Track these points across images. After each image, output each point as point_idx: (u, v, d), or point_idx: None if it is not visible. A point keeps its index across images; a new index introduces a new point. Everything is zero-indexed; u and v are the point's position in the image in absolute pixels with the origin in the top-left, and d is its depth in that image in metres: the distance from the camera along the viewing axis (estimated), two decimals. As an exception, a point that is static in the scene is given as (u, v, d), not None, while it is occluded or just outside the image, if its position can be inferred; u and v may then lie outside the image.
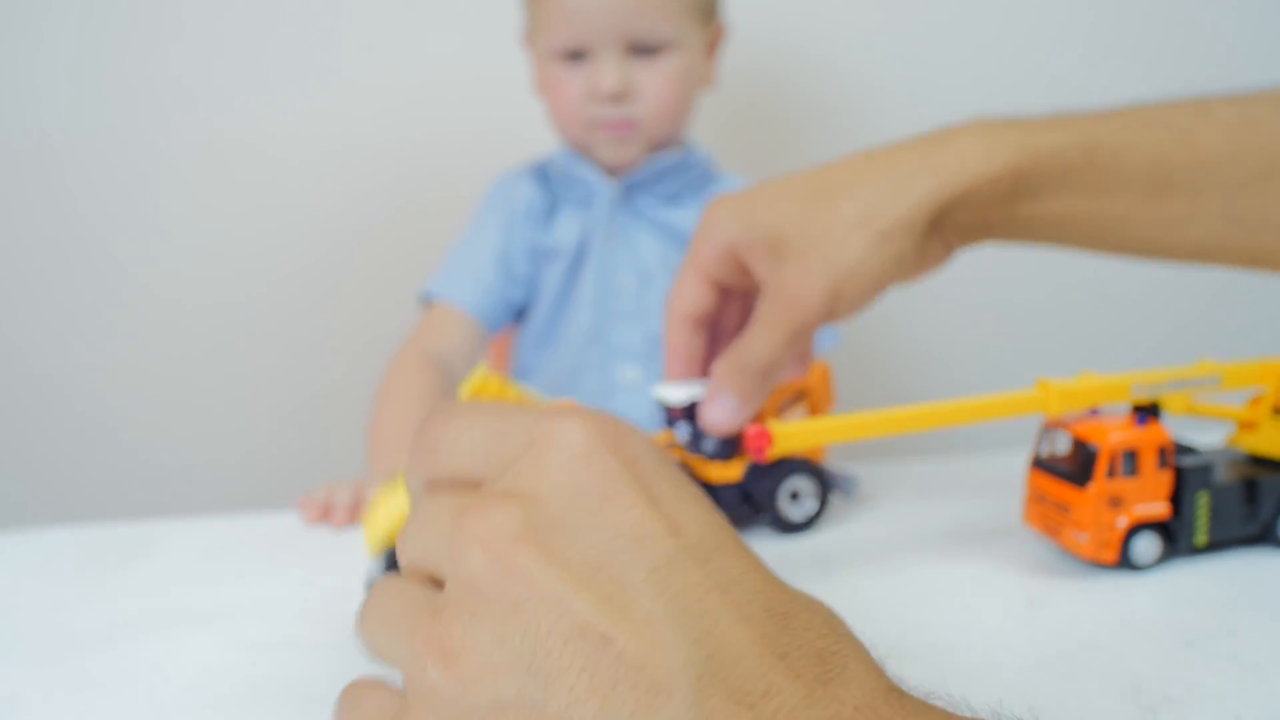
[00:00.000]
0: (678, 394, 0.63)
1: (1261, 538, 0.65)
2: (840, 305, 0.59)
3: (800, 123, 1.84)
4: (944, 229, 0.61)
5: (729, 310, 0.67)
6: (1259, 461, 0.67)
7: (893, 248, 0.58)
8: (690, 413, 0.64)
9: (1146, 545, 0.62)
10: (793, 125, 1.84)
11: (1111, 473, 0.61)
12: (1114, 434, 0.62)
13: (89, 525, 0.88)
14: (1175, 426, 0.67)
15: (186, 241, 1.76)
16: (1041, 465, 0.66)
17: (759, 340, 0.59)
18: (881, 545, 0.71)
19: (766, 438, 0.61)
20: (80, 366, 1.79)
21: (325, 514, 0.85)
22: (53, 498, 1.84)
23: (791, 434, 0.62)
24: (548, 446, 0.30)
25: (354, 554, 0.76)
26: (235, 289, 1.78)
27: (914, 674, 0.52)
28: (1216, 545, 0.64)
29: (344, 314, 1.79)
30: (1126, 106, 0.62)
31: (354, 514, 0.85)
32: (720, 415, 0.60)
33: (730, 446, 0.64)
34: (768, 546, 0.70)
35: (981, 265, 1.92)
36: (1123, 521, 0.62)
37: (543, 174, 1.34)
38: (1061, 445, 0.67)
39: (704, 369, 0.66)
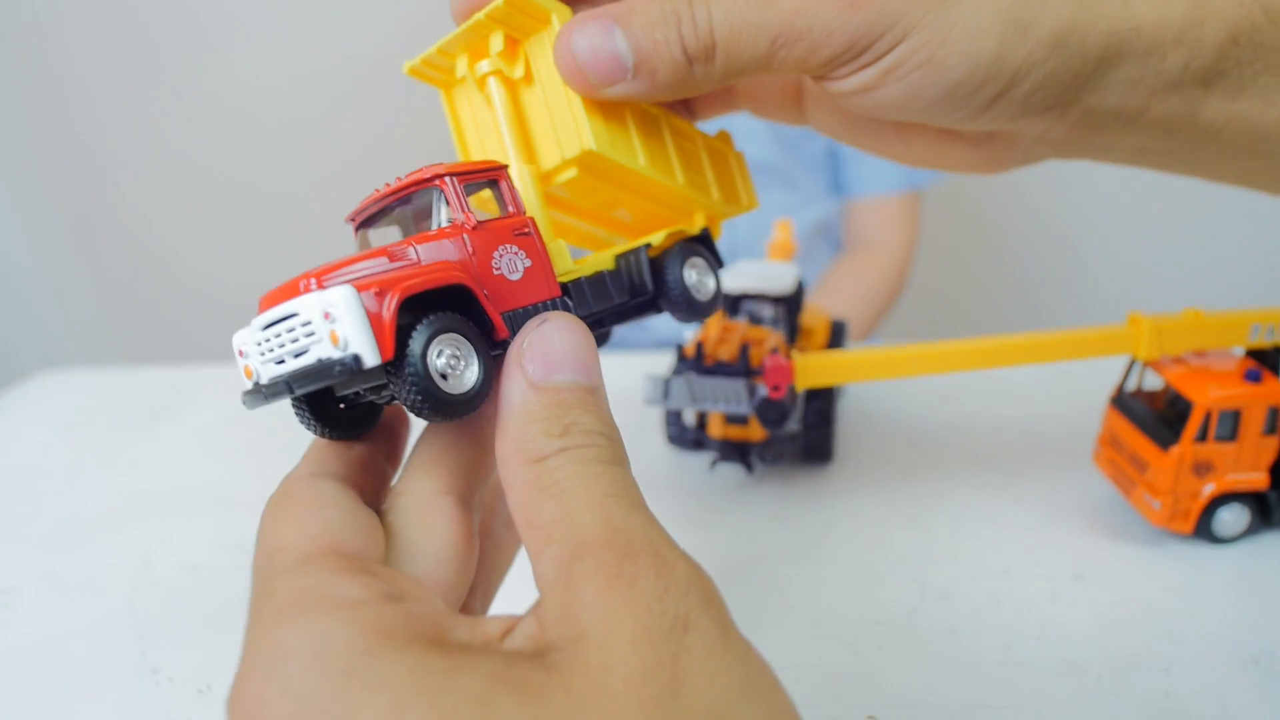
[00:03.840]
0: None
1: (1384, 511, 0.55)
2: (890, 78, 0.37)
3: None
4: (1072, 108, 0.39)
5: None
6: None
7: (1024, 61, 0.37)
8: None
9: (1232, 517, 0.53)
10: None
11: (1204, 435, 0.51)
12: (1215, 389, 0.51)
13: (132, 368, 0.88)
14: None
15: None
16: (1123, 405, 0.56)
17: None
18: (922, 474, 0.63)
19: (786, 371, 0.53)
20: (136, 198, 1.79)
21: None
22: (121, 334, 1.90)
23: (822, 365, 0.54)
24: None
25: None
26: (299, 130, 1.73)
27: (918, 664, 0.47)
28: (1322, 519, 0.54)
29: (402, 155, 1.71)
30: None
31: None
32: (587, 36, 0.35)
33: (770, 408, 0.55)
34: (795, 483, 0.63)
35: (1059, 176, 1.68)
36: (1208, 489, 0.52)
37: None
38: (1151, 383, 0.57)
39: None
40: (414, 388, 0.28)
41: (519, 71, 0.37)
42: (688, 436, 0.61)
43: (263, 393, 0.29)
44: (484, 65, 0.37)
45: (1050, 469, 0.62)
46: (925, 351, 0.54)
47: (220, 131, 1.75)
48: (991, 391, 0.73)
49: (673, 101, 0.43)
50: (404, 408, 0.30)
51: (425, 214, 0.33)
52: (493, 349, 0.31)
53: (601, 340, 0.37)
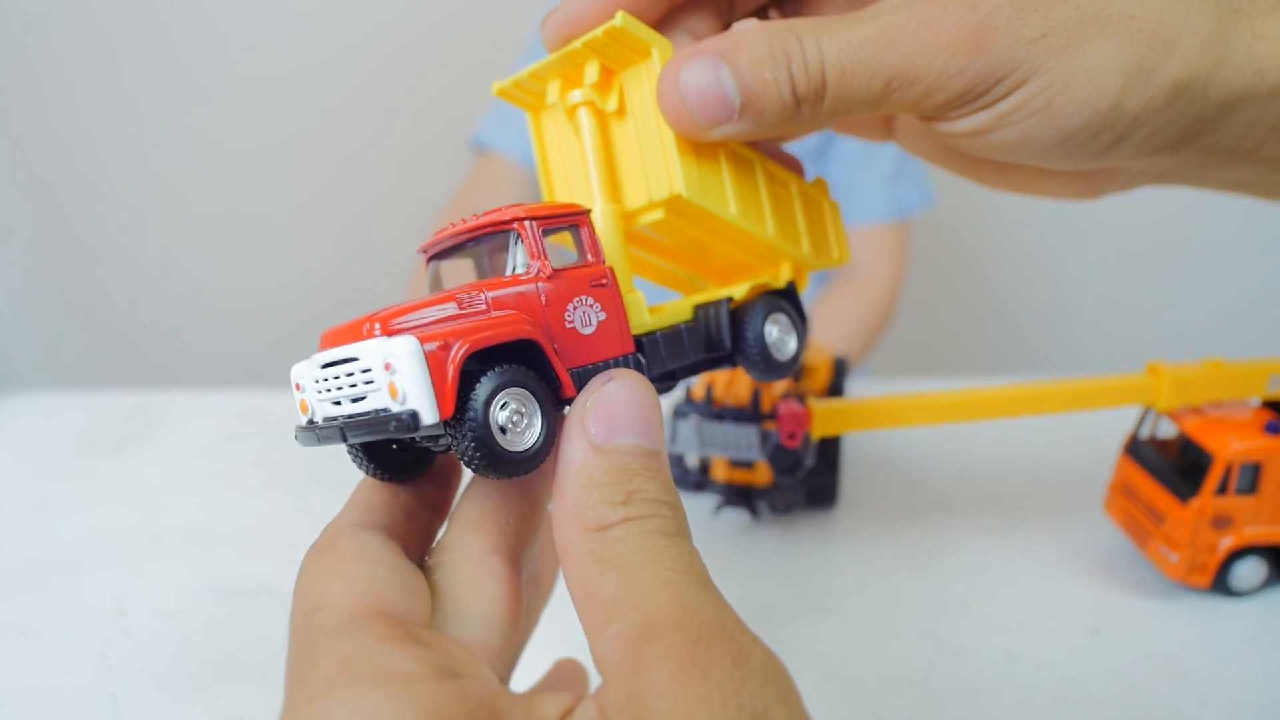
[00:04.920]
0: None
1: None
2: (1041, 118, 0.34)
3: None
4: (1186, 149, 0.38)
5: None
6: None
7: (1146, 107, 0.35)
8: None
9: (1250, 571, 0.52)
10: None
11: (1224, 488, 0.50)
12: (1235, 442, 0.50)
13: (100, 392, 0.84)
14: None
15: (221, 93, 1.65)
16: (1137, 454, 0.55)
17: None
18: (928, 519, 0.61)
19: (803, 419, 0.51)
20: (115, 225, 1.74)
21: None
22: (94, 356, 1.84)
23: (840, 413, 0.52)
24: None
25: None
26: (284, 138, 1.69)
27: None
28: (1338, 573, 0.54)
29: (386, 166, 1.68)
30: None
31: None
32: (696, 75, 0.33)
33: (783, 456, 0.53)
34: (799, 528, 0.62)
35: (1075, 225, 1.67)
36: (1226, 543, 0.51)
37: None
38: (1164, 431, 0.56)
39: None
40: (472, 444, 0.26)
41: (612, 105, 0.35)
42: (690, 479, 0.59)
43: (316, 433, 0.28)
44: (576, 95, 0.35)
45: (1059, 515, 0.61)
46: (943, 400, 0.52)
47: (196, 142, 1.70)
48: (995, 434, 0.71)
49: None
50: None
51: (501, 249, 0.31)
52: (558, 406, 0.29)
53: (664, 390, 0.35)
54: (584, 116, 0.35)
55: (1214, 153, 0.38)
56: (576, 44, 0.33)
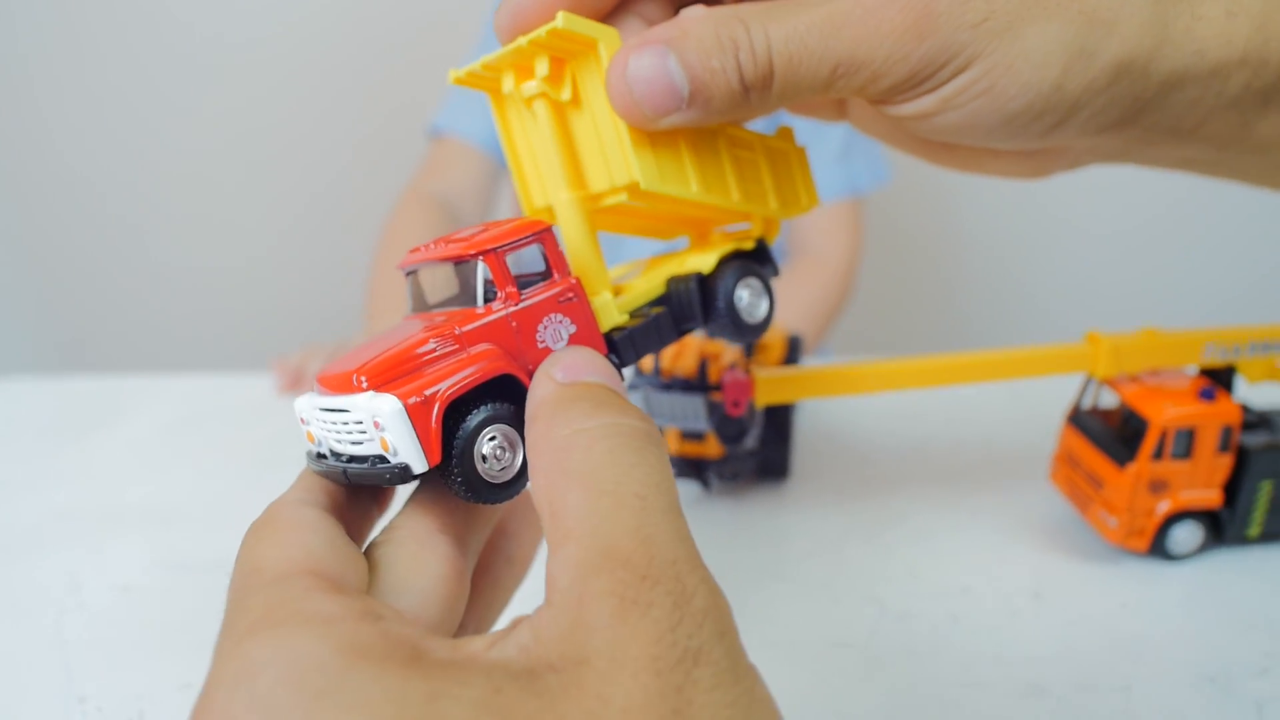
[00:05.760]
0: None
1: (1332, 528, 0.55)
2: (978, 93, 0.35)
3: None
4: (1129, 129, 0.39)
5: None
6: (1349, 440, 0.56)
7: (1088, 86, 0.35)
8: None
9: (1186, 535, 0.53)
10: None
11: (1160, 453, 0.52)
12: (1171, 408, 0.51)
13: (66, 377, 0.84)
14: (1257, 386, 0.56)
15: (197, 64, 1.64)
16: (1079, 423, 0.56)
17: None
18: (879, 490, 0.63)
19: (746, 387, 0.52)
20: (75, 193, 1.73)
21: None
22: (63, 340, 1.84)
23: (782, 382, 0.53)
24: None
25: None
26: (241, 121, 1.68)
27: (879, 687, 0.46)
28: (1273, 537, 0.55)
29: (344, 151, 1.68)
30: None
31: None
32: (643, 66, 0.33)
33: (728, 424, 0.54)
34: (751, 499, 0.63)
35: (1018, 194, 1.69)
36: (1163, 507, 0.52)
37: None
38: (1107, 401, 0.57)
39: None
40: (460, 480, 0.29)
41: (566, 94, 0.35)
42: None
43: (326, 467, 0.31)
44: (530, 87, 0.35)
45: (1007, 486, 0.62)
46: (883, 369, 0.53)
47: (158, 127, 1.70)
48: (948, 409, 0.73)
49: None
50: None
51: (473, 272, 0.32)
52: None
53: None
54: (540, 108, 0.35)
55: (1157, 131, 0.39)
56: (522, 41, 0.33)
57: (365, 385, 0.29)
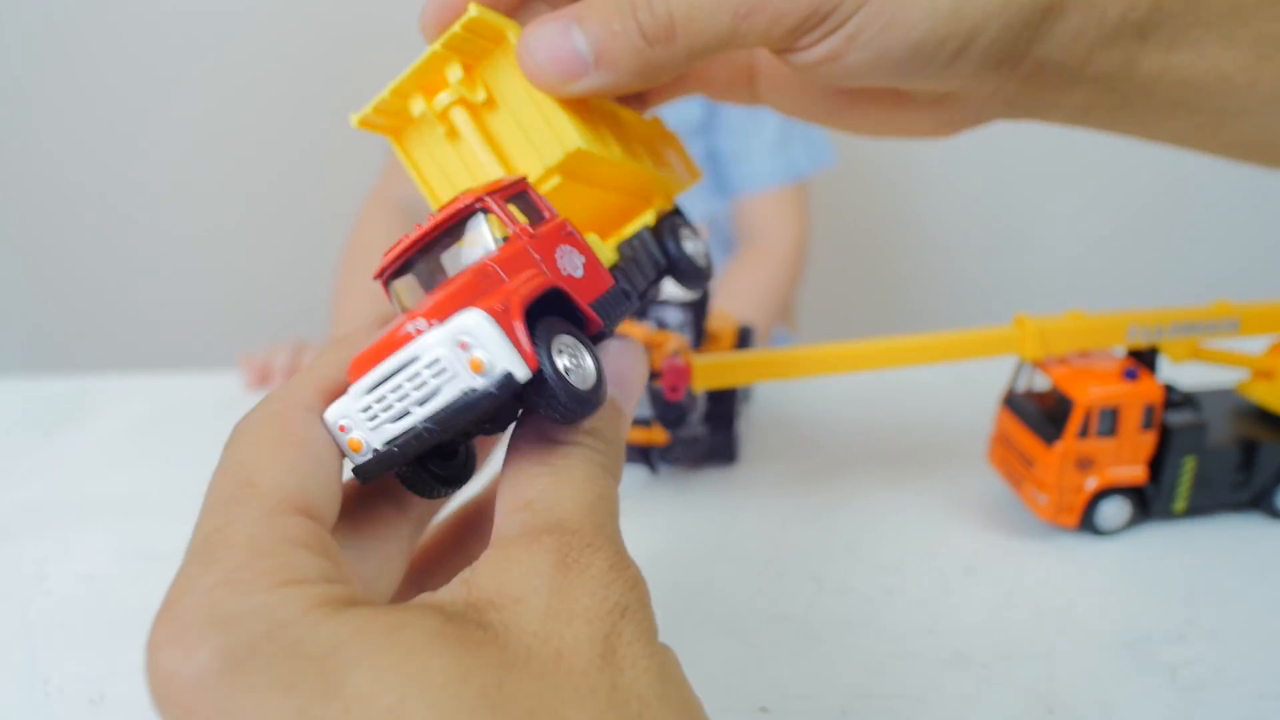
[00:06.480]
0: None
1: (1254, 503, 0.58)
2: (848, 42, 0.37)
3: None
4: (1023, 62, 0.40)
5: None
6: (1265, 417, 0.59)
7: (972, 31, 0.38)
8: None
9: (1113, 510, 0.56)
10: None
11: (1085, 432, 0.54)
12: (1094, 387, 0.53)
13: (34, 377, 0.86)
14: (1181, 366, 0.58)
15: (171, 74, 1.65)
16: (1013, 405, 0.58)
17: None
18: (825, 473, 0.65)
19: (684, 373, 0.54)
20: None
21: (264, 378, 0.81)
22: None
23: (719, 367, 0.55)
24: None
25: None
26: (209, 123, 1.70)
27: (812, 657, 0.48)
28: (1198, 511, 0.57)
29: (311, 157, 1.70)
30: None
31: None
32: (546, 35, 0.35)
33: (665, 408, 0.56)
34: (698, 483, 0.65)
35: (961, 171, 1.72)
36: (1091, 484, 0.55)
37: None
38: (1040, 384, 0.59)
39: None
40: (561, 391, 0.27)
41: (481, 95, 0.36)
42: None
43: (384, 455, 0.28)
44: (444, 97, 0.36)
45: (948, 467, 0.64)
46: (815, 353, 0.55)
47: (127, 125, 1.70)
48: (896, 394, 0.75)
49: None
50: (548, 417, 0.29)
51: (448, 244, 0.32)
52: (594, 341, 0.31)
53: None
54: (459, 116, 0.37)
55: (1049, 68, 0.41)
56: (436, 45, 0.35)
57: (429, 325, 0.27)
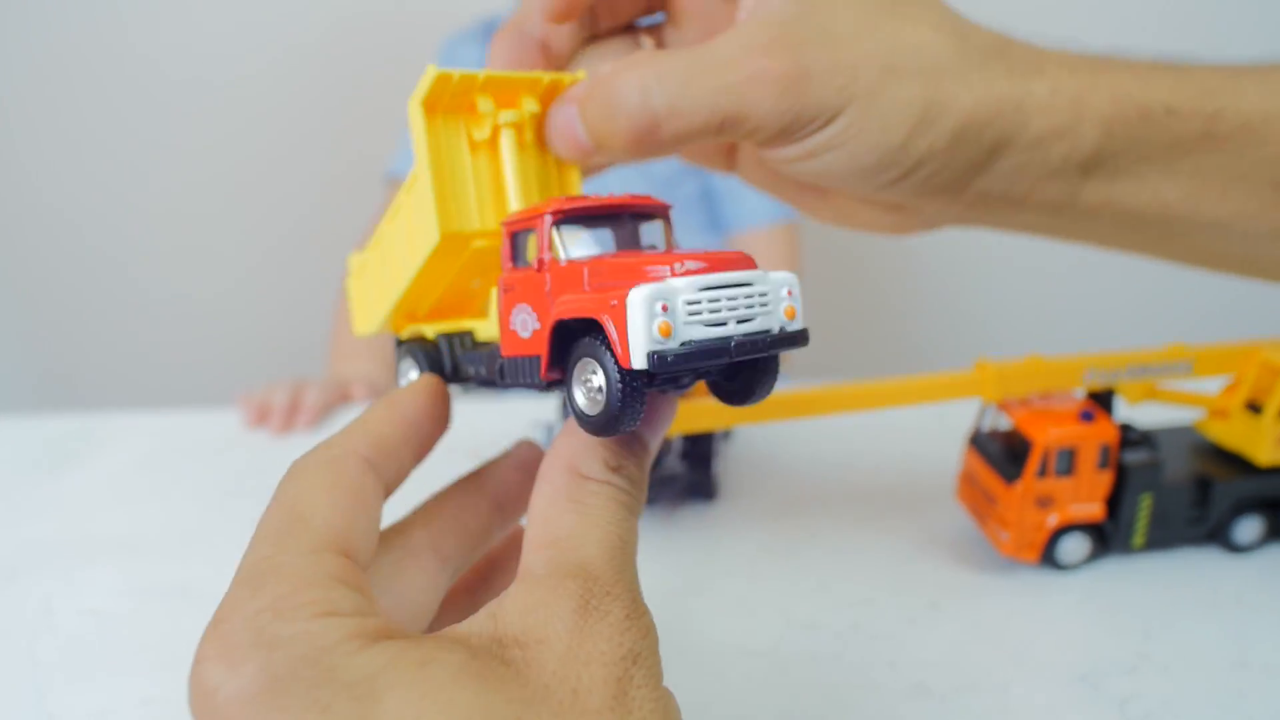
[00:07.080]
0: None
1: (1211, 537, 0.60)
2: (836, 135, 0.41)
3: None
4: (965, 191, 0.44)
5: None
6: (1220, 455, 0.61)
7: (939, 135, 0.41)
8: None
9: (1073, 546, 0.58)
10: None
11: (1044, 471, 0.56)
12: (1052, 429, 0.56)
13: (38, 415, 0.89)
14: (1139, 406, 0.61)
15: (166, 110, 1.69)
16: (979, 444, 0.61)
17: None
18: (800, 510, 0.67)
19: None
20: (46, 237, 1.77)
21: (262, 417, 0.84)
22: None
23: (694, 411, 0.58)
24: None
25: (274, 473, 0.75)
26: (209, 162, 1.74)
27: (779, 690, 0.50)
28: (1157, 546, 0.59)
29: (307, 196, 1.74)
30: (1270, 64, 0.45)
31: (290, 419, 0.84)
32: (559, 123, 0.40)
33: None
34: (677, 521, 0.67)
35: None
36: (1052, 520, 0.57)
37: (491, 32, 1.24)
38: (1004, 424, 0.62)
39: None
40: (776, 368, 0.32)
41: (529, 137, 0.41)
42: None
43: (681, 354, 0.29)
44: (509, 115, 0.39)
45: (919, 505, 0.67)
46: (787, 399, 0.58)
47: (132, 165, 1.73)
48: (872, 432, 0.77)
49: None
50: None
51: (636, 229, 0.36)
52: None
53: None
54: (507, 136, 0.40)
55: (991, 198, 0.45)
56: (536, 74, 0.39)
57: (753, 265, 0.31)
